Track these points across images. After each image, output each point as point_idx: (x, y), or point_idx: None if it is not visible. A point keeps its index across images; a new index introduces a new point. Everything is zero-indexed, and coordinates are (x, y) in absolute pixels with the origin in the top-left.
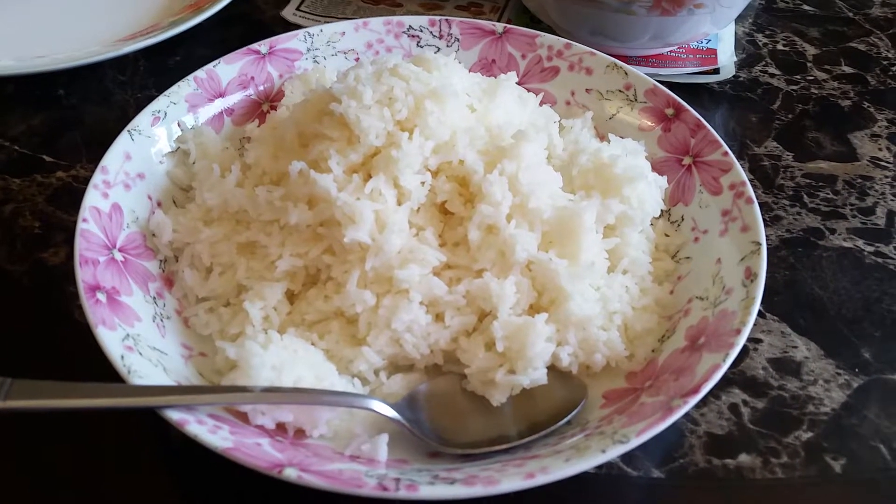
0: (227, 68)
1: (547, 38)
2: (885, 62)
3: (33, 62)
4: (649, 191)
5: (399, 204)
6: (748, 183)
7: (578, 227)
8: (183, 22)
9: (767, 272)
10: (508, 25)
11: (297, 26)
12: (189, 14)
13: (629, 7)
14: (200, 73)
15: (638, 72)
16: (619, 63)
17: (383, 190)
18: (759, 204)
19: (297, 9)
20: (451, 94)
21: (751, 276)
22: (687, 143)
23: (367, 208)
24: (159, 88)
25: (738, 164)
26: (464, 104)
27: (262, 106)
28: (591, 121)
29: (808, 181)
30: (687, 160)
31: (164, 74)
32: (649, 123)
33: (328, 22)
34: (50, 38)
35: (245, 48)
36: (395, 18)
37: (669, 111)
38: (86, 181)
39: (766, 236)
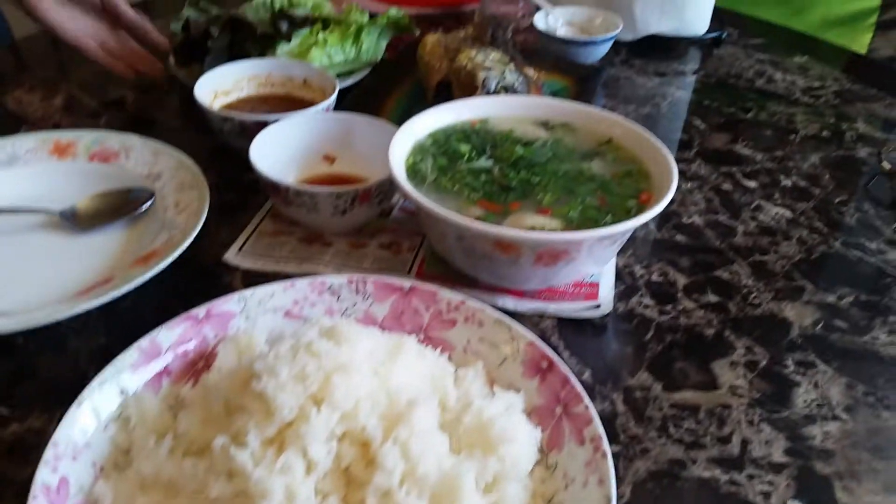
0: (167, 334)
1: (445, 293)
2: (744, 290)
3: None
4: (523, 450)
5: (307, 473)
6: (604, 437)
7: (461, 489)
8: (136, 276)
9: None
10: (414, 283)
11: (236, 268)
12: (141, 269)
13: (517, 261)
14: (143, 341)
15: (519, 328)
16: (504, 319)
17: (293, 463)
18: (630, 437)
19: (239, 250)
20: (356, 368)
21: None
22: (558, 395)
23: (277, 484)
24: (110, 335)
25: (596, 419)
26: (368, 372)
27: (198, 364)
28: (482, 370)
29: (674, 411)
30: (559, 410)
31: (115, 321)
32: (530, 372)
33: (265, 261)
34: (0, 289)
35: (184, 314)
36: (318, 279)
37: (544, 364)
38: (38, 434)
39: (636, 470)
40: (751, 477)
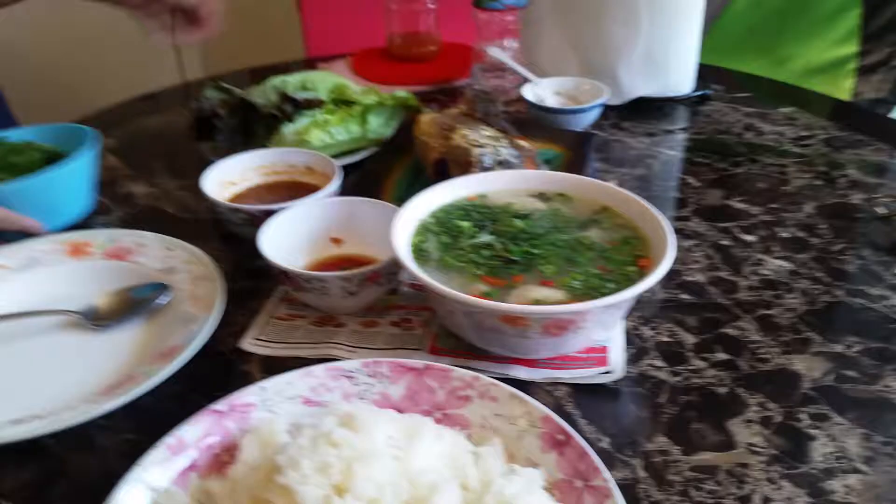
0: (191, 430)
1: (459, 371)
2: (753, 345)
3: (33, 426)
4: None
5: None
6: None
7: None
8: (157, 372)
9: None
10: (427, 362)
11: (253, 354)
12: (162, 364)
13: (525, 333)
14: (169, 438)
15: (533, 402)
16: (518, 393)
17: None
18: (654, 502)
19: (254, 338)
20: (377, 455)
21: None
22: (577, 468)
23: None
24: (136, 431)
25: (616, 491)
26: (388, 458)
27: (223, 457)
28: (500, 446)
29: (693, 474)
30: (579, 483)
31: (140, 416)
32: (548, 446)
33: (281, 346)
34: (28, 392)
35: (207, 409)
36: (334, 364)
37: (561, 437)
38: None
39: None
40: None
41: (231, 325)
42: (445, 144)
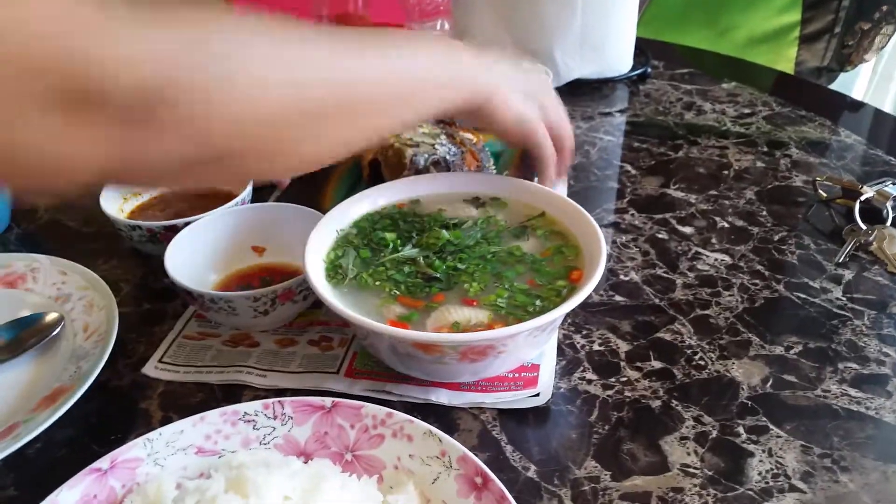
0: (69, 494)
1: (370, 408)
2: (688, 351)
3: None
4: None
5: None
6: None
7: None
8: (42, 420)
9: None
10: (336, 400)
11: (156, 385)
12: (47, 410)
13: (442, 360)
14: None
15: (450, 440)
16: (434, 431)
17: None
18: None
19: (160, 361)
20: None
21: None
22: None
23: None
24: (18, 485)
25: None
26: None
27: None
28: (414, 492)
29: (625, 503)
30: None
31: (24, 468)
32: (465, 490)
33: (188, 372)
34: None
35: (87, 469)
36: (231, 408)
37: (479, 479)
38: None
39: None
40: None
41: (131, 356)
42: (380, 144)
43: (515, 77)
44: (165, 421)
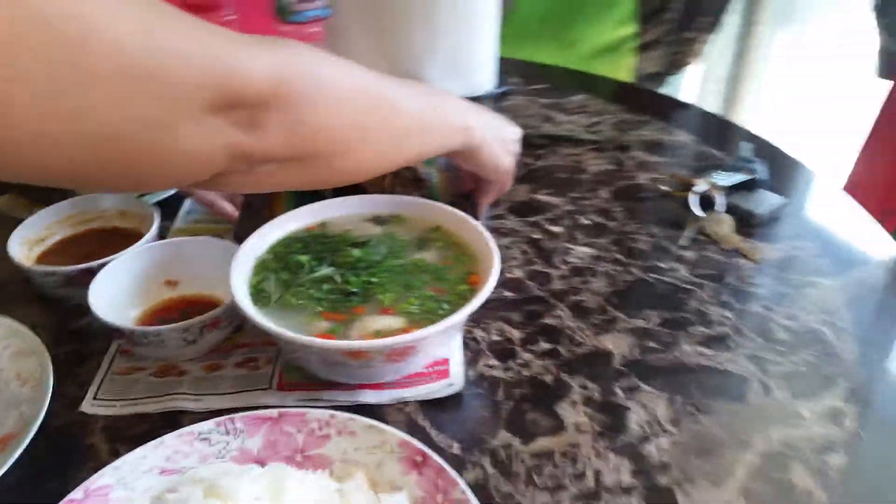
0: None
1: (314, 413)
2: (569, 332)
3: None
4: None
5: None
6: None
7: None
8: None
9: None
10: (282, 410)
11: (96, 421)
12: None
13: (369, 363)
14: None
15: (389, 429)
16: (375, 423)
17: None
18: (503, 495)
19: (94, 398)
20: None
21: None
22: (436, 484)
23: None
24: None
25: (472, 499)
26: None
27: None
28: (363, 479)
29: (534, 461)
30: (440, 498)
31: None
32: (407, 469)
33: (125, 405)
34: None
35: (64, 500)
36: (186, 430)
37: (418, 458)
38: None
39: None
40: None
41: (63, 398)
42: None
43: (497, 126)
44: (113, 453)
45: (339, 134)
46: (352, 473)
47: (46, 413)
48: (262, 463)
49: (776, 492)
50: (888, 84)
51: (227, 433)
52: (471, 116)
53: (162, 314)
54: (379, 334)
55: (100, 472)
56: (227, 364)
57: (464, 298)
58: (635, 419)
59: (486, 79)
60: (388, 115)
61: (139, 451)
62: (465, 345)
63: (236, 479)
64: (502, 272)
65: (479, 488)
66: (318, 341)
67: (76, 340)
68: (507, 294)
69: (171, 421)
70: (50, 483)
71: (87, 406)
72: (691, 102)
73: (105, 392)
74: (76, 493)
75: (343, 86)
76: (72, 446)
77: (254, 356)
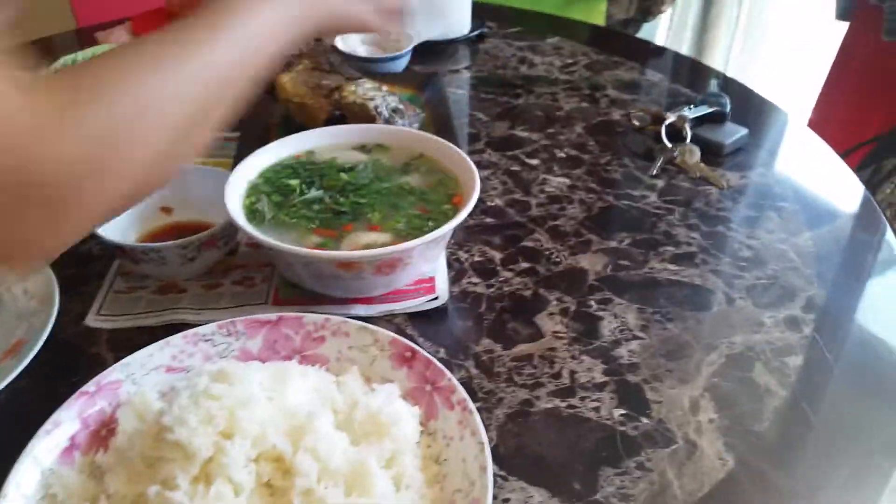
0: (66, 413)
1: (310, 317)
2: (547, 252)
3: None
4: (408, 427)
5: (237, 496)
6: (468, 398)
7: (368, 471)
8: (11, 368)
9: (502, 442)
10: (280, 314)
11: (100, 333)
12: (12, 359)
13: (360, 275)
14: (47, 425)
15: (380, 330)
16: (367, 325)
17: (223, 490)
18: (486, 393)
19: (97, 314)
20: (254, 400)
21: (482, 469)
22: (425, 376)
23: None
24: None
25: (459, 386)
26: (264, 400)
27: (101, 432)
28: (357, 373)
29: (514, 363)
30: (428, 387)
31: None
32: (398, 364)
33: (127, 319)
34: None
35: (77, 392)
36: (191, 331)
37: (408, 354)
38: None
39: (497, 417)
40: (582, 398)
41: (68, 314)
42: (333, 102)
43: None
44: (118, 360)
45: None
46: (347, 369)
47: (53, 327)
48: (262, 361)
49: (738, 388)
50: (845, 26)
51: (229, 335)
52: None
53: (158, 238)
54: (368, 247)
55: (110, 368)
56: (224, 283)
57: (447, 217)
58: (608, 327)
59: (461, 22)
60: (213, 86)
61: (147, 349)
62: (449, 265)
63: (240, 369)
64: (483, 201)
65: (463, 386)
66: (313, 252)
67: (78, 264)
68: (488, 220)
69: (172, 332)
70: (61, 388)
71: (91, 320)
72: (662, 46)
73: (107, 308)
74: (88, 387)
75: (164, 95)
76: (78, 355)
77: (250, 276)
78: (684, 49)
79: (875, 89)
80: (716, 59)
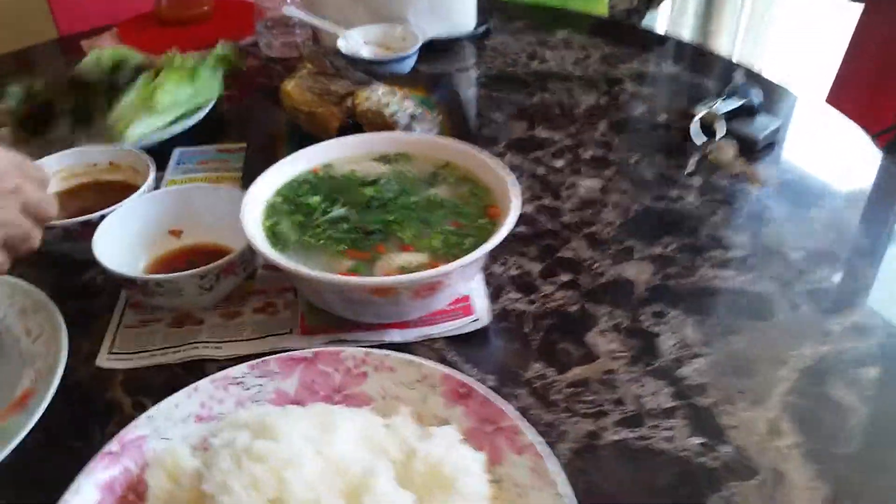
0: (88, 480)
1: (349, 351)
2: (587, 262)
3: None
4: (475, 477)
5: None
6: (540, 442)
7: None
8: (21, 424)
9: (571, 483)
10: (316, 349)
11: (113, 374)
12: (21, 414)
13: (396, 300)
14: (67, 495)
15: (428, 363)
16: (413, 359)
17: None
18: (546, 424)
19: (110, 352)
20: (301, 457)
21: None
22: (482, 415)
23: None
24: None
25: (524, 426)
26: (312, 455)
27: (128, 497)
28: (408, 413)
29: (571, 389)
30: (489, 428)
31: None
32: (452, 402)
33: (142, 357)
34: None
35: (99, 454)
36: (220, 374)
37: (463, 390)
38: None
39: (562, 452)
40: (652, 427)
41: (76, 354)
42: (344, 110)
43: None
44: (137, 406)
45: None
46: (395, 409)
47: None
48: (299, 404)
49: (817, 406)
50: (859, 7)
51: (262, 376)
52: None
53: (169, 264)
54: (403, 270)
55: (133, 423)
56: (245, 310)
57: (486, 231)
58: (666, 343)
59: (466, 19)
60: None
61: (171, 398)
62: (486, 282)
63: (282, 419)
64: None
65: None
66: (348, 279)
67: (81, 296)
68: (520, 229)
69: (193, 370)
70: (75, 442)
71: (104, 360)
72: (669, 35)
73: (119, 346)
74: (111, 446)
75: None
76: (92, 402)
77: (271, 301)
78: (686, 36)
79: (894, 73)
80: (722, 46)
